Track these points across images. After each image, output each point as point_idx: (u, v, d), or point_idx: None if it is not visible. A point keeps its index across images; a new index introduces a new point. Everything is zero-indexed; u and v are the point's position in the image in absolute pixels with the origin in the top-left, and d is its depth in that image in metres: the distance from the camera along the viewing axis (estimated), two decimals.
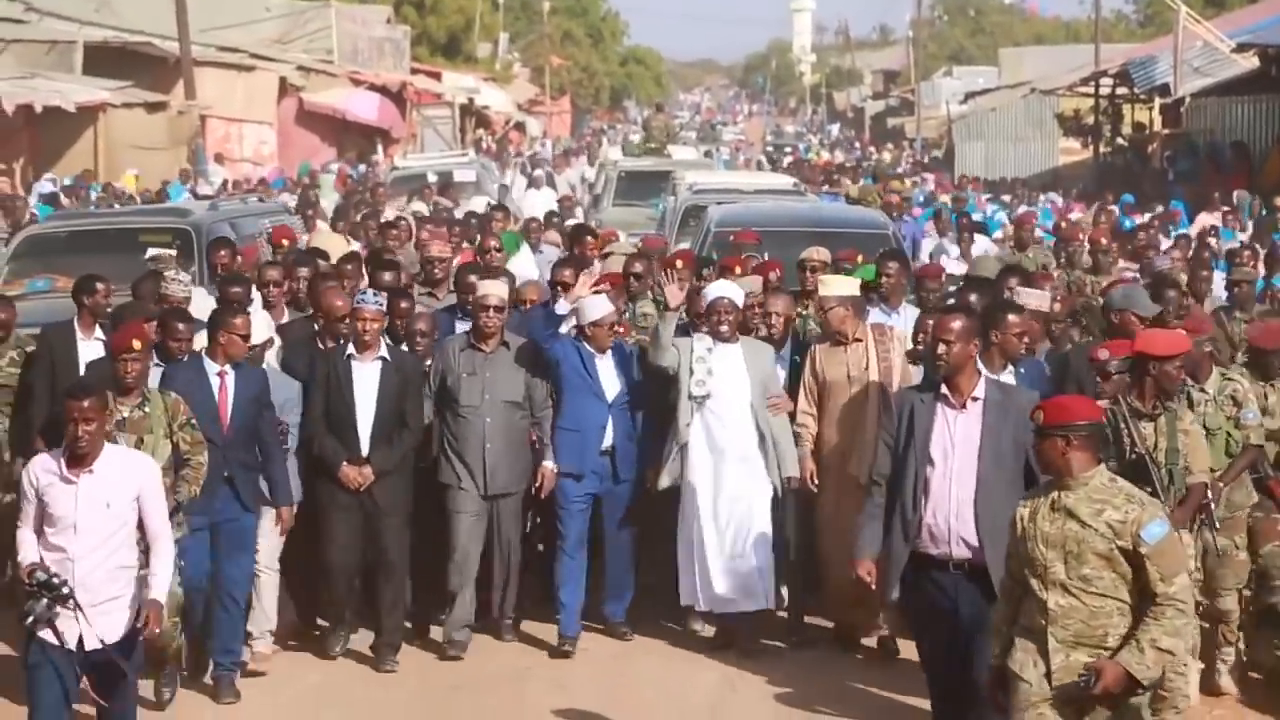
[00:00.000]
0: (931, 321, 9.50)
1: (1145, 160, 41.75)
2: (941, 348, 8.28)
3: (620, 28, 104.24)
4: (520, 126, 61.91)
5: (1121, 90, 44.82)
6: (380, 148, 45.13)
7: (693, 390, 10.75)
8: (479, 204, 25.87)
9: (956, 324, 8.31)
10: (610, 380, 10.99)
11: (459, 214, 22.84)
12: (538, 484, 10.98)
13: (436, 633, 11.09)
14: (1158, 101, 42.95)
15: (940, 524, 8.26)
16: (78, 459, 7.83)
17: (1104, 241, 16.98)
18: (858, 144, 70.62)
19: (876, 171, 35.44)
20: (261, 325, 10.83)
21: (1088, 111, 47.32)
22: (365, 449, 10.62)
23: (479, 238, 17.02)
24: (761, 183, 23.40)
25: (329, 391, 10.68)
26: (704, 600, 10.86)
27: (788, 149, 63.86)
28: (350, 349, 10.68)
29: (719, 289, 11.04)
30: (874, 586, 8.69)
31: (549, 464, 10.95)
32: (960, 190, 33.34)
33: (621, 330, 11.47)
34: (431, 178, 31.93)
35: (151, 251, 15.31)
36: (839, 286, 11.12)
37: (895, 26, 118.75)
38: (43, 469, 7.93)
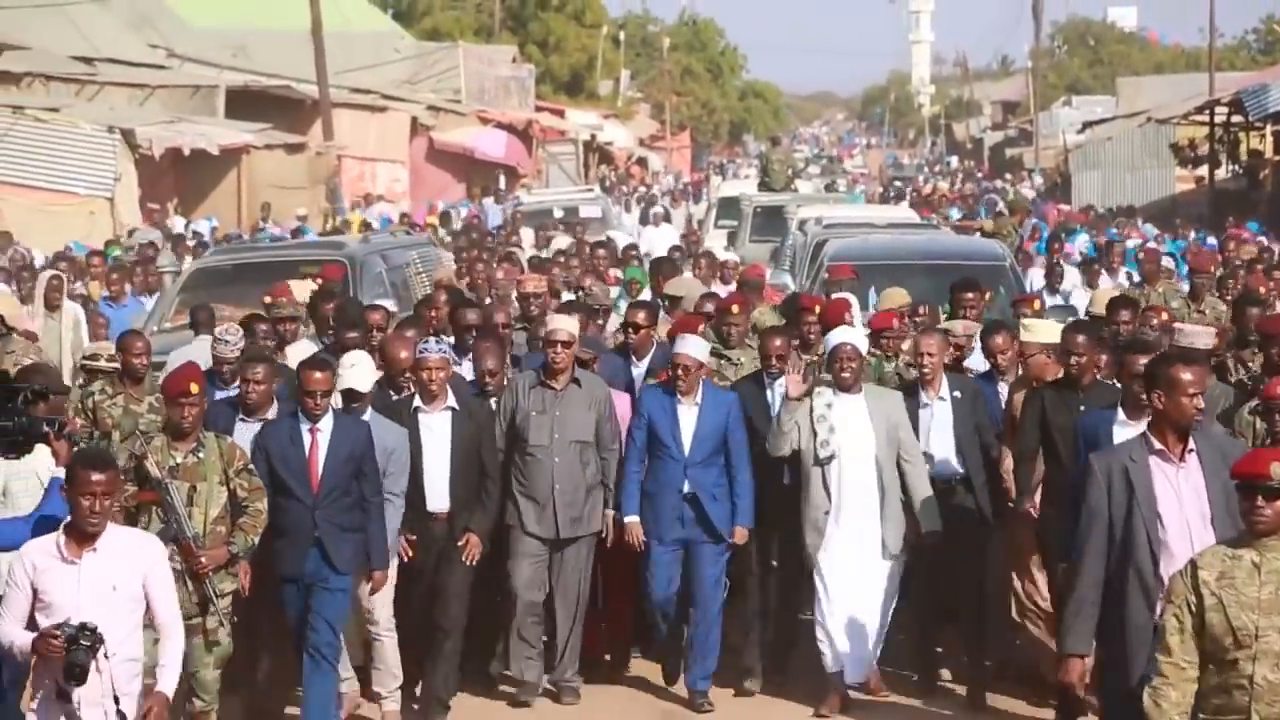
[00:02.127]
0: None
1: (1259, 187, 42.18)
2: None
3: (739, 62, 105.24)
4: (642, 162, 63.10)
5: (1236, 118, 45.25)
6: (503, 182, 46.39)
7: (818, 453, 10.17)
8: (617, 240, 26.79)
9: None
10: (692, 430, 10.38)
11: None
12: (604, 533, 10.56)
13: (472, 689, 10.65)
14: (1269, 129, 43.30)
15: None
16: (84, 538, 7.03)
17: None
18: (979, 174, 71.11)
19: (1013, 204, 34.74)
20: (367, 373, 10.33)
21: (1203, 140, 47.72)
22: (435, 503, 10.15)
23: (606, 272, 17.86)
24: (891, 216, 23.13)
25: None
26: (838, 663, 10.30)
27: (906, 180, 64.48)
28: (417, 400, 10.22)
29: (840, 335, 10.47)
30: (1081, 690, 7.95)
31: (614, 512, 10.50)
32: (1068, 221, 33.55)
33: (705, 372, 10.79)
34: (558, 213, 33.05)
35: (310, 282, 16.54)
36: (1043, 333, 10.60)
37: (1015, 57, 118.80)
38: (40, 552, 7.06)
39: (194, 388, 9.17)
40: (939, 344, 10.57)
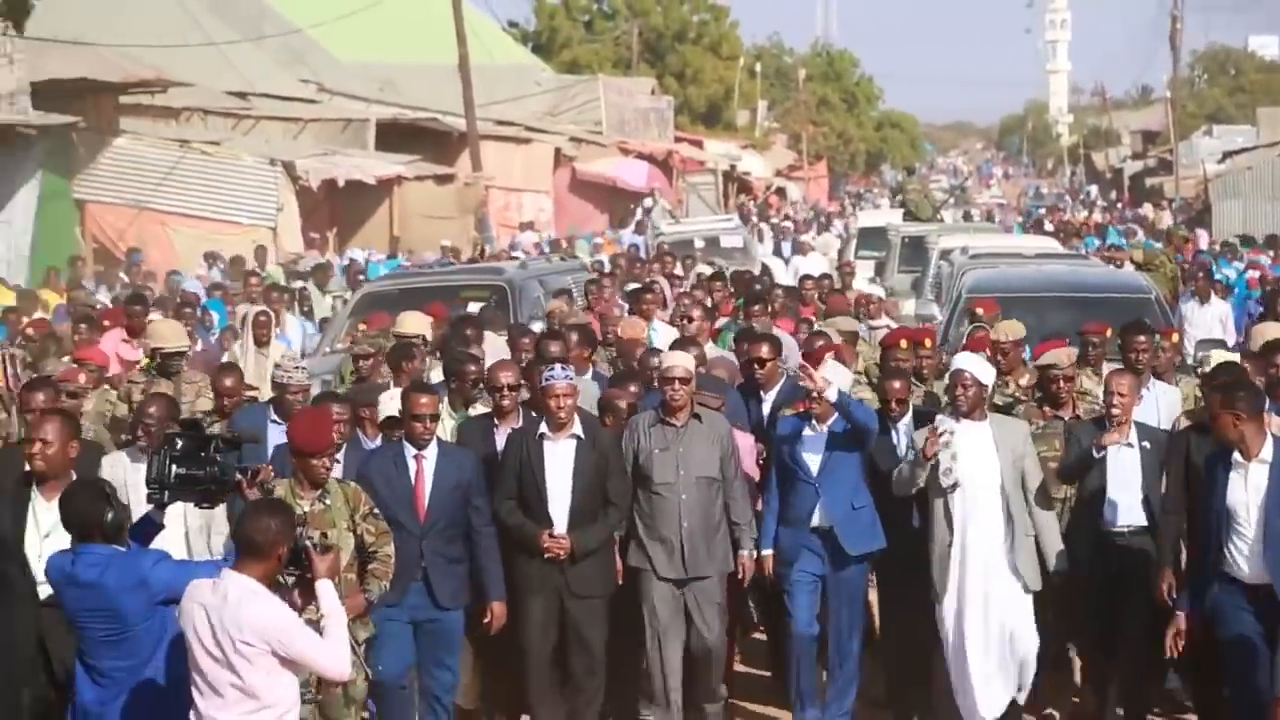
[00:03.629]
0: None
1: None
2: None
3: (875, 92, 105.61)
4: (780, 192, 63.67)
5: None
6: (649, 207, 47.11)
7: (942, 481, 9.93)
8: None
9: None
10: (821, 457, 10.20)
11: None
12: (740, 573, 10.34)
13: None
14: None
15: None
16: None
17: None
18: (1120, 203, 70.92)
19: (1171, 233, 33.52)
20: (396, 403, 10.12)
21: None
22: (561, 530, 9.95)
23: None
24: (1039, 246, 22.46)
25: (520, 472, 9.99)
26: (975, 708, 10.01)
27: (1046, 210, 64.47)
28: (543, 428, 10.03)
29: (961, 361, 10.36)
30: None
31: (746, 551, 10.28)
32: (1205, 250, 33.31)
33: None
34: (699, 243, 33.46)
35: (472, 306, 17.35)
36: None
37: (1155, 86, 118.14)
38: (206, 592, 7.00)
39: (335, 436, 9.09)
40: (1130, 384, 10.12)
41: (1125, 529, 10.03)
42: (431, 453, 9.59)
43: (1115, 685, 10.22)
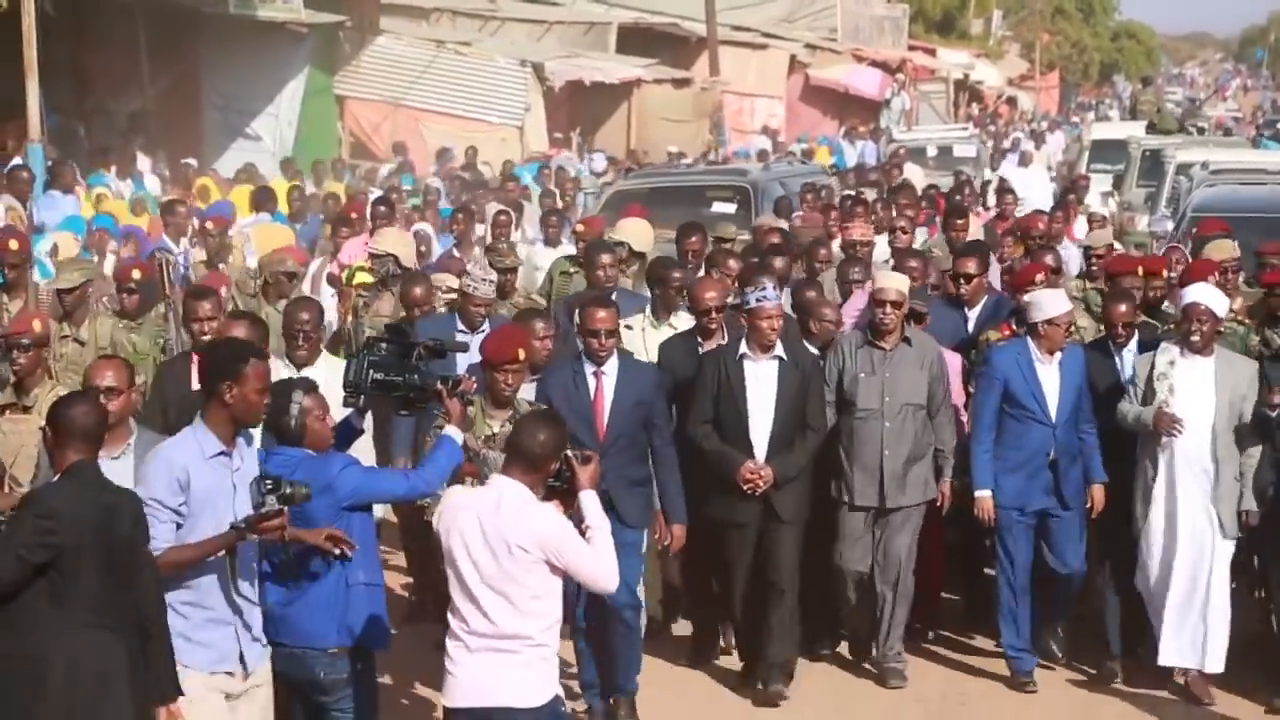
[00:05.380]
0: None
1: None
2: None
3: (1111, 2, 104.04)
4: (1011, 101, 63.55)
5: None
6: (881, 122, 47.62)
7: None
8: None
9: None
10: (1056, 392, 9.80)
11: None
12: (940, 502, 10.07)
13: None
14: None
15: None
16: None
17: None
18: None
19: None
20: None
21: None
22: (762, 457, 9.62)
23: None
24: None
25: (718, 395, 9.66)
26: (1168, 654, 9.74)
27: None
28: (743, 348, 9.66)
29: (1196, 293, 9.74)
30: None
31: (948, 478, 10.01)
32: None
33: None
34: (932, 151, 33.79)
35: (717, 206, 18.42)
36: None
37: None
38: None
39: (521, 354, 8.60)
40: None
41: None
42: (611, 369, 9.24)
43: None
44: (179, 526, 6.78)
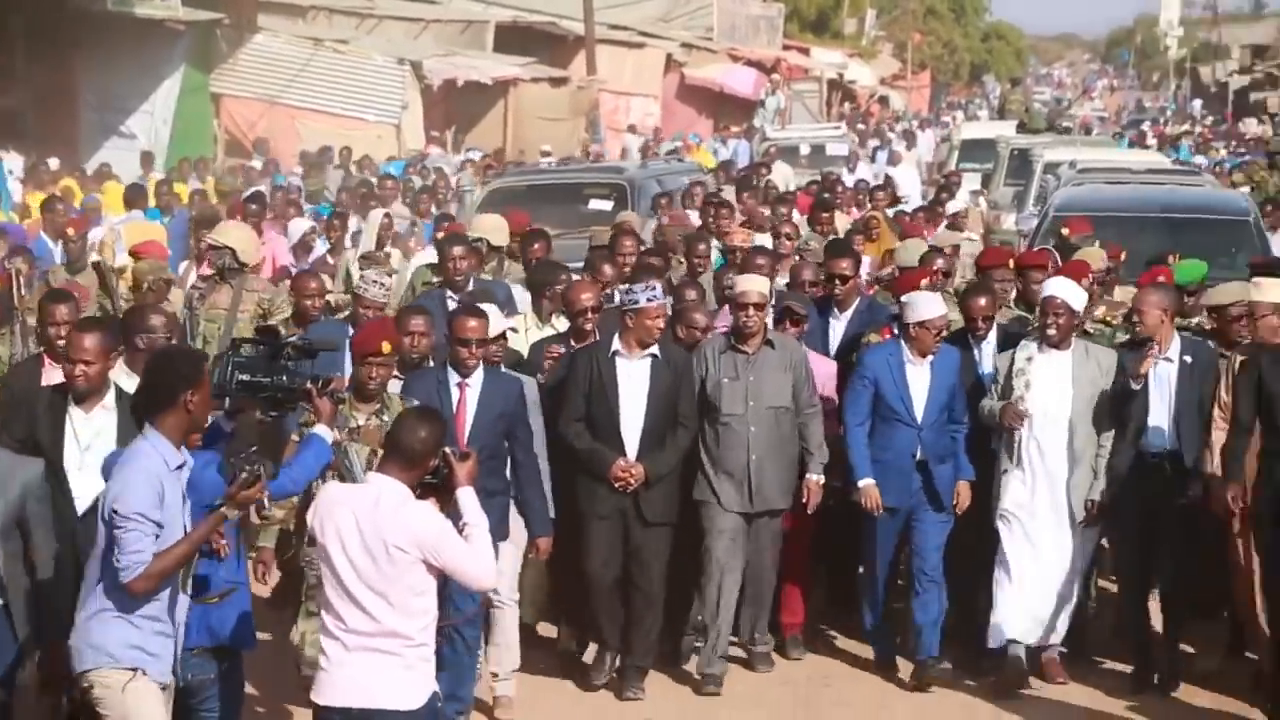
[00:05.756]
0: None
1: None
2: None
3: (981, 3, 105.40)
4: (883, 100, 64.35)
5: None
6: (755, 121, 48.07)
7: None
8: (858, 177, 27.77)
9: None
10: (925, 393, 9.82)
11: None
12: (805, 498, 9.98)
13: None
14: None
15: None
16: None
17: None
18: (1223, 117, 70.90)
19: (1275, 150, 32.13)
20: (498, 320, 9.50)
21: None
22: (633, 455, 9.59)
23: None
24: (1149, 162, 21.63)
25: (590, 393, 9.62)
26: (1012, 630, 9.78)
27: (1145, 123, 64.82)
28: (616, 345, 9.64)
29: (1053, 287, 9.84)
30: None
31: (815, 476, 9.93)
32: None
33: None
34: (805, 149, 34.01)
35: (594, 204, 18.66)
36: (1272, 291, 9.72)
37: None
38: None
39: (386, 347, 8.53)
40: (1156, 300, 9.71)
41: (1156, 456, 9.74)
42: (476, 380, 9.03)
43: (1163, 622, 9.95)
44: (156, 538, 6.66)
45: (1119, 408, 9.69)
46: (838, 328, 10.96)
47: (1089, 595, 10.54)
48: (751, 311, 9.81)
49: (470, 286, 11.46)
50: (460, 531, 6.49)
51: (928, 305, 9.87)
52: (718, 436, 9.82)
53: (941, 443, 9.89)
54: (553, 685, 10.08)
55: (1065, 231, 13.59)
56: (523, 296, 11.70)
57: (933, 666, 9.91)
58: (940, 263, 12.02)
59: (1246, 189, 22.05)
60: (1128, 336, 10.22)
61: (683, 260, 13.02)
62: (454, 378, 9.03)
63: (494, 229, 13.31)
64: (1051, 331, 9.68)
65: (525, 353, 10.30)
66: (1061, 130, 35.81)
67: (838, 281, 10.96)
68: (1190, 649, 10.27)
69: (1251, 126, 55.15)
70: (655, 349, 9.64)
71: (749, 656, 10.27)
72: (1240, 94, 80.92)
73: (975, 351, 10.25)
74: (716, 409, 9.81)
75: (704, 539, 9.86)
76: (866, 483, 9.83)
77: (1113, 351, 9.90)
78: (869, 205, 19.46)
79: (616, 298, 9.74)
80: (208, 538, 6.88)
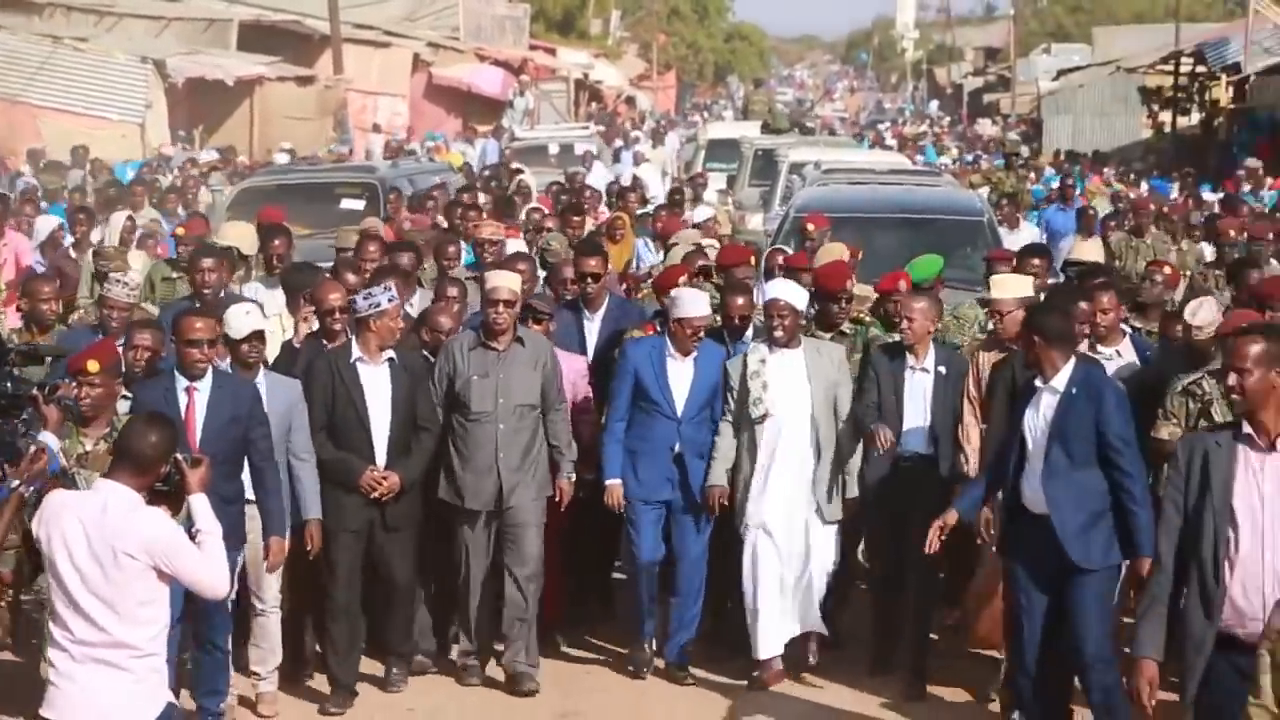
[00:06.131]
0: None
1: (1211, 135, 44.38)
2: (1234, 378, 6.60)
3: (724, 4, 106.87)
4: (630, 101, 64.92)
5: (1200, 69, 47.31)
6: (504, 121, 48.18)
7: (751, 412, 9.83)
8: (598, 177, 27.92)
9: (1254, 348, 6.55)
10: (686, 388, 9.95)
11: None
12: (558, 497, 9.95)
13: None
14: (1224, 79, 45.42)
15: (1252, 598, 6.47)
16: None
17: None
18: (959, 118, 72.94)
19: (1011, 151, 32.57)
20: (252, 318, 9.34)
21: (1170, 89, 49.76)
22: (382, 461, 9.54)
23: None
24: (891, 163, 22.06)
25: (334, 399, 9.51)
26: (767, 646, 9.85)
27: (885, 124, 66.40)
28: (356, 351, 9.54)
29: (775, 289, 10.04)
30: (1150, 699, 6.74)
31: (565, 476, 9.94)
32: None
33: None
34: (554, 149, 34.39)
35: (346, 203, 18.60)
36: (1013, 287, 10.05)
37: (998, 3, 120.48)
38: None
39: (92, 365, 8.13)
40: (923, 309, 9.87)
41: (910, 458, 9.84)
42: (205, 384, 8.79)
43: (908, 622, 10.00)
44: None
45: (866, 412, 9.84)
46: (592, 327, 10.98)
47: (850, 581, 10.68)
48: (501, 308, 9.76)
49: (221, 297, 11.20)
50: (193, 539, 6.39)
51: (689, 304, 9.99)
52: (467, 434, 9.76)
53: (700, 438, 9.99)
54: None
55: (810, 228, 13.83)
56: (269, 295, 11.57)
57: (678, 673, 10.08)
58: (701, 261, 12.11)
59: (985, 189, 22.67)
60: (891, 338, 10.33)
61: (431, 263, 12.98)
62: (181, 383, 8.80)
63: (241, 237, 13.04)
64: (779, 333, 9.82)
65: (275, 353, 10.17)
66: (805, 131, 36.60)
67: (589, 280, 10.93)
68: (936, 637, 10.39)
69: (986, 127, 56.91)
70: (392, 353, 9.60)
71: (512, 675, 9.96)
72: (974, 95, 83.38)
73: (730, 349, 10.30)
74: (466, 406, 9.75)
75: (453, 539, 9.86)
76: (613, 483, 9.96)
77: (839, 347, 10.16)
78: (618, 205, 19.64)
79: (358, 303, 9.67)
80: (10, 526, 6.63)
